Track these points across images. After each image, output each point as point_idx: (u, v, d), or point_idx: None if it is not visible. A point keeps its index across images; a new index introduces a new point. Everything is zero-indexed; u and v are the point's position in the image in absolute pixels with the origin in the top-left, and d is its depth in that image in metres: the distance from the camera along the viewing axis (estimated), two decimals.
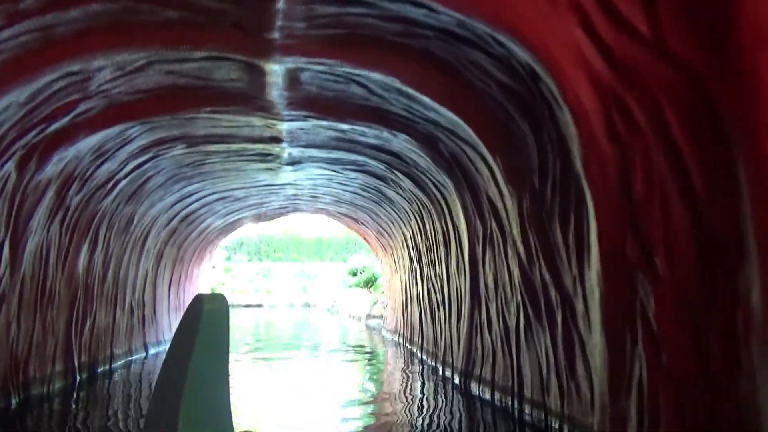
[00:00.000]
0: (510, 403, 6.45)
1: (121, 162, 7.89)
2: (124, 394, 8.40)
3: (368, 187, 11.41)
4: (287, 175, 11.14)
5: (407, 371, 10.55)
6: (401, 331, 13.85)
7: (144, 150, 7.93)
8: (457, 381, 8.52)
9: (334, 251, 71.64)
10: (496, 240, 6.71)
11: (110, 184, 8.18)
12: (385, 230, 14.14)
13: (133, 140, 7.43)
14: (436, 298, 10.12)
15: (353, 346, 15.65)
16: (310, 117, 7.30)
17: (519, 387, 6.23)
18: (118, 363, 10.37)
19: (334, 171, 10.70)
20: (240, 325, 22.11)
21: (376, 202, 12.43)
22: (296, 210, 16.66)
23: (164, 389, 1.85)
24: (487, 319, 7.35)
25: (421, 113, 6.54)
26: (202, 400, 1.77)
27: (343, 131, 8.01)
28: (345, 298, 28.92)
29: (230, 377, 2.03)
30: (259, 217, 16.51)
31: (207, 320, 1.92)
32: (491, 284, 7.12)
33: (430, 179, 8.87)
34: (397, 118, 6.99)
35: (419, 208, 10.52)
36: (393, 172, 9.73)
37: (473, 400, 7.49)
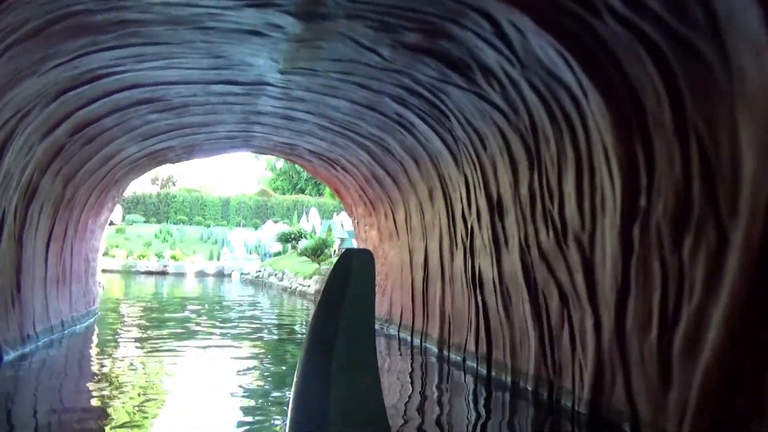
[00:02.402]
0: None
1: None
2: None
3: (393, 104, 6.93)
4: (269, 65, 6.40)
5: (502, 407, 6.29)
6: (411, 324, 9.53)
7: None
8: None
9: (243, 215, 66.16)
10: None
11: None
12: (393, 177, 9.65)
13: None
14: (528, 282, 5.91)
15: None
16: None
17: None
18: None
19: (348, 72, 6.18)
20: (138, 298, 16.82)
21: (397, 130, 7.94)
22: (245, 144, 11.71)
23: (316, 344, 1.78)
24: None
25: None
26: (352, 359, 1.72)
27: None
28: (279, 268, 24.02)
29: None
30: (190, 151, 11.39)
31: (355, 278, 1.83)
32: None
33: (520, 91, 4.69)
34: None
35: (491, 142, 6.24)
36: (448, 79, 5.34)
37: None
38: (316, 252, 19.12)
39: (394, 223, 10.48)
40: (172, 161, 11.99)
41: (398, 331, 10.16)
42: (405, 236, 9.97)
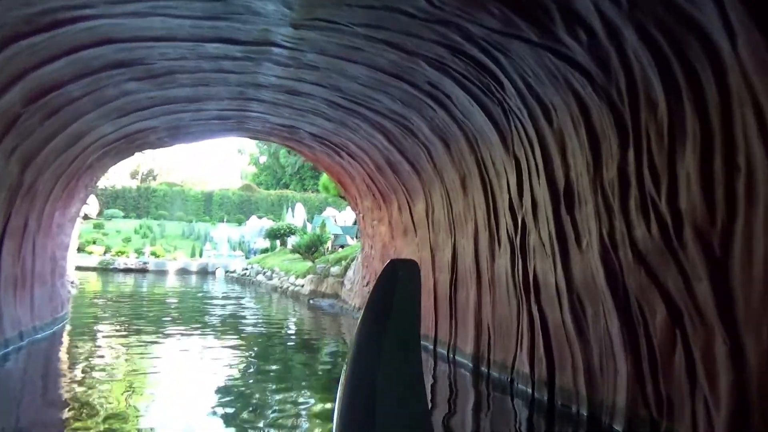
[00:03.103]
0: None
1: None
2: None
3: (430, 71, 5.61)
4: (280, 12, 5.02)
5: None
6: (433, 334, 8.21)
7: None
8: None
9: (227, 210, 64.60)
10: None
11: None
12: (413, 164, 8.32)
13: None
14: (614, 290, 4.63)
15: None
16: None
17: None
18: None
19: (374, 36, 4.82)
20: (115, 299, 15.26)
21: (426, 104, 6.62)
22: (239, 127, 10.29)
23: (360, 357, 1.74)
24: None
25: None
26: (398, 372, 1.69)
27: None
28: (268, 265, 22.56)
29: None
30: (176, 133, 9.94)
31: (401, 290, 1.78)
32: None
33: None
34: None
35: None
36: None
37: None
38: (310, 249, 17.71)
39: (411, 216, 9.16)
40: (155, 146, 10.52)
41: None
42: (425, 232, 8.65)
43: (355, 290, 13.16)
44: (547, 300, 5.59)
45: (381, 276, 1.83)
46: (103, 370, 6.89)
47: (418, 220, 8.90)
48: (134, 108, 7.73)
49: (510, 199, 6.18)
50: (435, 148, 7.56)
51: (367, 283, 11.47)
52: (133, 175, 76.58)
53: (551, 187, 5.38)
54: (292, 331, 11.04)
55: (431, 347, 8.21)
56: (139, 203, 61.20)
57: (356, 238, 27.74)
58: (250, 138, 11.47)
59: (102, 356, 7.90)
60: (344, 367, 1.77)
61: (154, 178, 76.91)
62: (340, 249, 22.24)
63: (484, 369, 6.76)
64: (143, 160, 79.18)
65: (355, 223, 31.60)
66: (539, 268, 5.70)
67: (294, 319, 13.14)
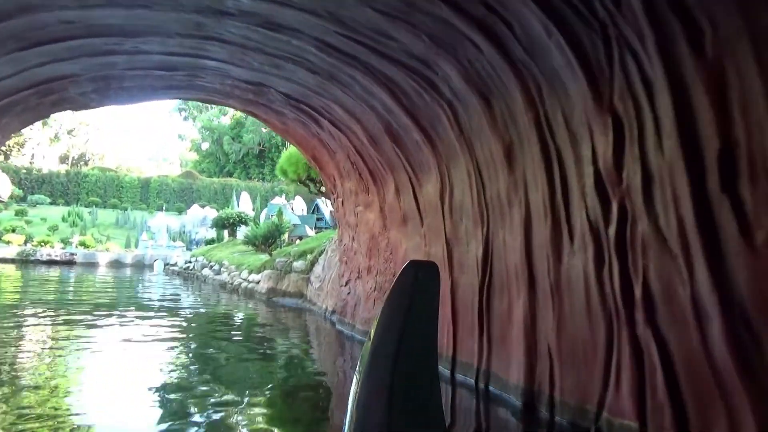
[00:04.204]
0: None
1: None
2: None
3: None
4: None
5: None
6: (450, 353, 6.28)
7: None
8: None
9: (165, 198, 61.01)
10: None
11: None
12: (425, 130, 6.37)
13: None
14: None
15: None
16: None
17: None
18: None
19: None
20: (29, 296, 12.55)
21: (464, 39, 4.68)
22: (189, 84, 8.04)
23: (376, 363, 1.71)
24: None
25: None
26: (413, 380, 1.67)
27: None
28: (216, 258, 20.08)
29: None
30: (105, 87, 7.58)
31: (419, 293, 1.74)
32: None
33: None
34: None
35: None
36: None
37: None
38: (268, 240, 15.46)
39: (415, 200, 7.19)
40: (77, 105, 8.11)
41: None
42: (437, 220, 6.72)
43: (327, 290, 11.10)
44: (672, 320, 3.76)
45: (399, 277, 1.75)
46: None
47: (427, 204, 6.95)
48: (42, 38, 5.42)
49: (597, 173, 4.32)
50: (466, 107, 5.62)
51: (347, 282, 9.44)
52: (63, 160, 71.40)
53: (689, 154, 3.53)
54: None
55: (447, 371, 6.30)
56: (68, 189, 56.80)
57: (315, 228, 25.55)
58: (202, 101, 9.20)
59: None
60: (357, 372, 1.72)
61: (86, 163, 71.98)
62: (298, 241, 20.05)
63: (542, 410, 4.89)
64: (74, 143, 74.04)
65: (313, 211, 29.31)
66: (656, 273, 3.86)
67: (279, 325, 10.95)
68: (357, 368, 1.79)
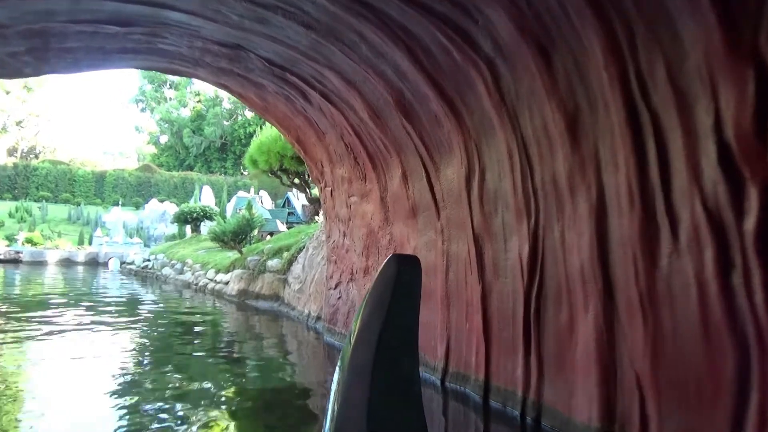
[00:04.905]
0: None
1: None
2: None
3: None
4: None
5: None
6: (481, 376, 5.08)
7: None
8: None
9: (122, 192, 58.48)
10: None
11: None
12: (450, 100, 5.13)
13: None
14: None
15: None
16: None
17: None
18: None
19: None
20: None
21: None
22: (148, 47, 6.60)
23: (356, 360, 1.71)
24: None
25: None
26: (393, 365, 1.67)
27: None
28: (178, 256, 18.43)
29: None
30: (42, 49, 6.08)
31: (400, 285, 1.72)
32: None
33: None
34: None
35: None
36: None
37: None
38: (238, 236, 13.98)
39: (430, 188, 5.95)
40: (7, 70, 6.57)
41: (442, 379, 5.69)
42: (461, 211, 5.50)
43: (309, 293, 9.77)
44: None
45: (380, 273, 1.75)
46: None
47: (446, 192, 5.72)
48: None
49: (723, 145, 3.15)
50: (513, 66, 4.40)
51: (336, 285, 8.13)
52: (11, 152, 67.76)
53: None
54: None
55: (477, 396, 5.09)
56: (17, 183, 53.72)
57: (287, 223, 24.07)
58: (164, 71, 7.73)
59: None
60: (338, 369, 1.75)
61: (36, 156, 68.49)
62: (269, 237, 18.59)
63: None
64: (23, 135, 70.40)
65: (284, 205, 27.77)
66: None
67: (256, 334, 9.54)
68: (338, 365, 1.75)
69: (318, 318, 9.03)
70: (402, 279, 1.72)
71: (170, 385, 5.79)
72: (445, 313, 5.73)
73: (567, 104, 4.14)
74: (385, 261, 1.74)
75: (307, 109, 7.26)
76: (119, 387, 5.61)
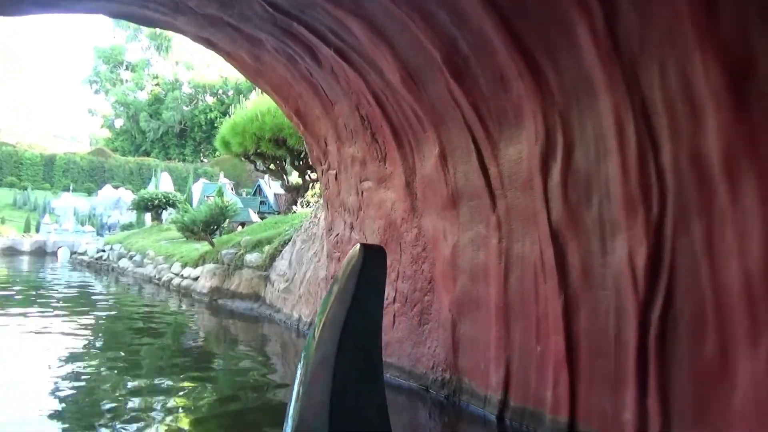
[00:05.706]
0: None
1: None
2: None
3: None
4: None
5: None
6: (570, 415, 3.87)
7: None
8: None
9: (73, 177, 55.53)
10: None
11: None
12: (531, 52, 3.85)
13: None
14: None
15: None
16: None
17: None
18: None
19: None
20: None
21: None
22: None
23: (324, 335, 1.69)
24: None
25: None
26: (357, 355, 1.67)
27: None
28: (137, 247, 16.69)
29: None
30: None
31: (365, 274, 1.77)
32: None
33: None
34: None
35: None
36: None
37: None
38: (210, 226, 12.44)
39: (482, 169, 4.68)
40: None
41: (499, 416, 4.45)
42: (529, 200, 4.26)
43: (300, 294, 8.40)
44: None
45: (347, 263, 1.73)
46: None
47: (507, 176, 4.47)
48: None
49: None
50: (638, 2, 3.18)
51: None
52: None
53: None
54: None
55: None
56: None
57: (258, 212, 22.46)
58: (136, 20, 6.20)
59: None
60: (302, 357, 1.68)
61: None
62: (240, 228, 17.05)
63: None
64: None
65: (255, 193, 26.05)
66: None
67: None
68: (301, 360, 1.68)
69: (311, 324, 7.70)
70: (367, 269, 1.76)
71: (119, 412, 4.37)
72: (503, 331, 4.49)
73: (728, 51, 2.94)
74: (350, 251, 1.75)
75: (313, 72, 5.90)
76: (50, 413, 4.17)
